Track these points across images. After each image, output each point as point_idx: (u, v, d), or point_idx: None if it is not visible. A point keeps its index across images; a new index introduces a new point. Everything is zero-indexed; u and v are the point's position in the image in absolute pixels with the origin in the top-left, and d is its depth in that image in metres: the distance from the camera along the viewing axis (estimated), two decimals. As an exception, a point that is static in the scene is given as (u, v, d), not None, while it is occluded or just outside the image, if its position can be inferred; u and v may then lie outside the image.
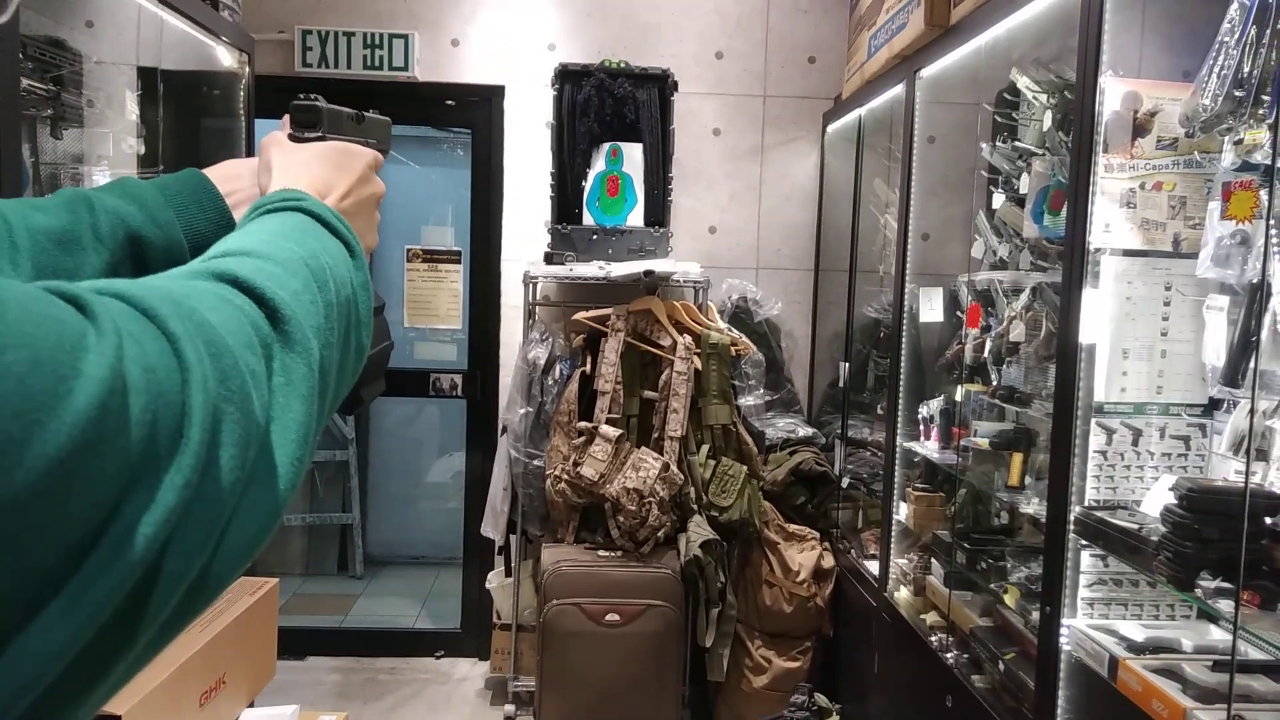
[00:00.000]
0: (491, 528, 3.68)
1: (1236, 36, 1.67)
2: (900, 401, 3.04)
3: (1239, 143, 1.73)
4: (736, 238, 4.05)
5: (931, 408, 2.93)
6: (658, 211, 3.69)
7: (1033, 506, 2.29)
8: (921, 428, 2.99)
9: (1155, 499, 1.89)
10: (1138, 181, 1.96)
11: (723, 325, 3.61)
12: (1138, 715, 1.72)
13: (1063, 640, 1.98)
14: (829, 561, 3.46)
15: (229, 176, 0.88)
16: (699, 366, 3.42)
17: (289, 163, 0.81)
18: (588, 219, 3.65)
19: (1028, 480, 2.39)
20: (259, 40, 3.40)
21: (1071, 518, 1.97)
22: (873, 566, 3.19)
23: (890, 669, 2.98)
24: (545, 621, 3.25)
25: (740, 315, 3.88)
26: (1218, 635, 1.88)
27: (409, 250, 4.06)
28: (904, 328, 3.02)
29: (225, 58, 3.17)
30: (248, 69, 3.22)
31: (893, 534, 3.05)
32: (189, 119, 3.25)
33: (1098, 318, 1.96)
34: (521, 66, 3.96)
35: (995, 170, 2.69)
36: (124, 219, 0.79)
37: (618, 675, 3.24)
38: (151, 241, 0.80)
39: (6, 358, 0.37)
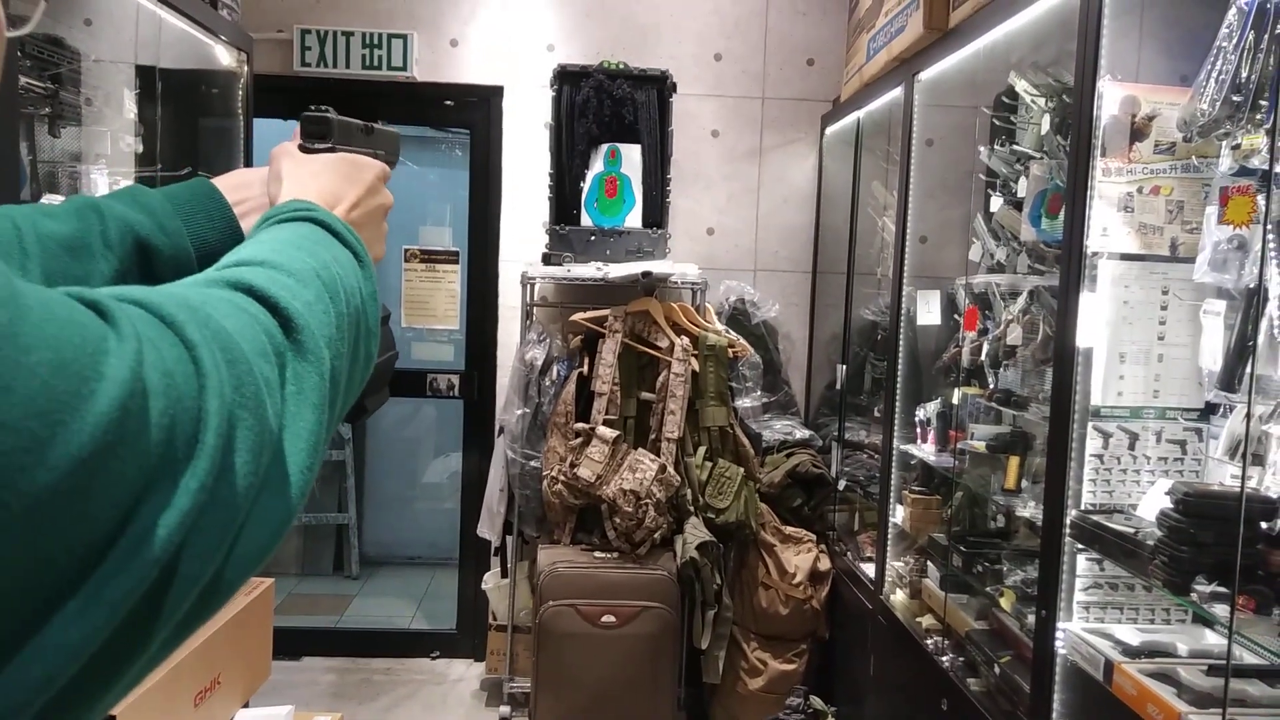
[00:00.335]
0: (488, 528, 3.67)
1: (1234, 41, 1.67)
2: (897, 404, 3.04)
3: (1236, 147, 1.74)
4: (734, 239, 4.05)
5: (928, 410, 2.93)
6: (656, 213, 3.69)
7: (1029, 510, 2.29)
8: (918, 430, 2.99)
9: (1151, 503, 1.89)
10: (1135, 186, 1.97)
11: (720, 327, 3.61)
12: (1133, 719, 1.72)
13: (1058, 644, 1.98)
14: (825, 564, 3.46)
15: (238, 185, 0.88)
16: (696, 368, 3.42)
17: (299, 173, 0.81)
18: (586, 220, 3.65)
19: (1024, 483, 2.39)
20: (257, 39, 3.40)
21: (1068, 521, 1.97)
22: (869, 569, 3.19)
23: (886, 672, 2.98)
24: (541, 623, 3.24)
25: (738, 317, 3.88)
26: (1213, 639, 1.88)
27: (406, 250, 4.05)
28: (901, 330, 3.02)
29: (224, 57, 3.17)
30: (246, 68, 3.22)
31: (889, 537, 3.05)
32: (187, 118, 3.24)
33: (1095, 321, 1.96)
34: (520, 67, 3.96)
35: (993, 173, 2.69)
36: (133, 227, 0.79)
37: (613, 677, 3.24)
38: (159, 250, 0.81)
39: (31, 358, 0.38)
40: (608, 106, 3.63)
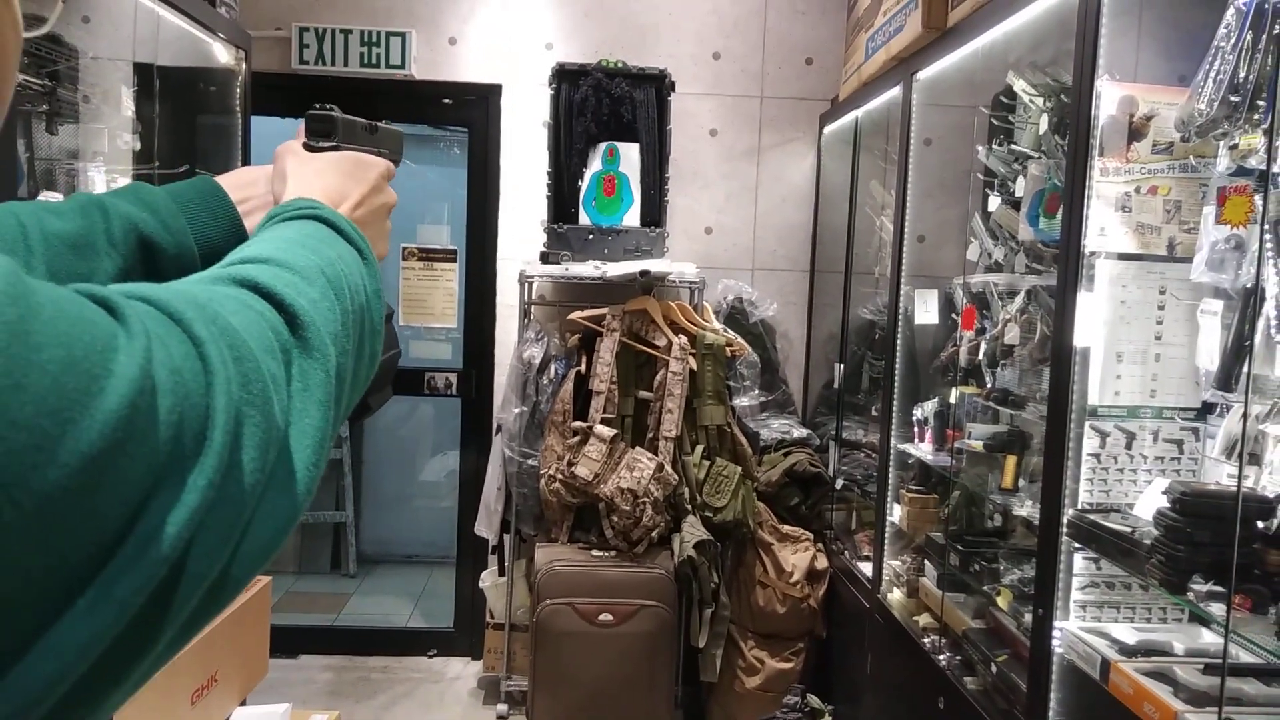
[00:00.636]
0: (485, 527, 3.67)
1: (1232, 42, 1.67)
2: (895, 403, 3.05)
3: (1234, 147, 1.74)
4: (732, 238, 4.05)
5: (926, 410, 2.94)
6: (654, 211, 3.69)
7: (1026, 509, 2.29)
8: (916, 429, 2.99)
9: (1148, 502, 1.89)
10: (1133, 185, 1.97)
11: (718, 326, 3.61)
12: (1129, 718, 1.72)
13: (1055, 642, 1.98)
14: (822, 563, 3.46)
15: (243, 184, 0.88)
16: (694, 367, 3.42)
17: (303, 171, 0.82)
18: (584, 218, 3.66)
19: (1021, 483, 2.40)
20: (256, 37, 3.40)
21: (1064, 520, 1.97)
22: (866, 568, 3.20)
23: (883, 670, 2.99)
24: (538, 621, 3.24)
25: (736, 316, 3.88)
26: (1209, 638, 1.88)
27: (405, 248, 4.05)
28: (899, 330, 3.02)
29: (222, 54, 3.16)
30: (244, 66, 3.22)
31: (886, 535, 3.05)
32: (185, 115, 3.24)
33: (1092, 321, 1.96)
34: (519, 66, 3.95)
35: (991, 173, 2.70)
36: (137, 224, 0.80)
37: (611, 675, 3.24)
38: (163, 247, 0.81)
39: (42, 356, 0.38)
40: (606, 105, 3.63)
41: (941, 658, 2.54)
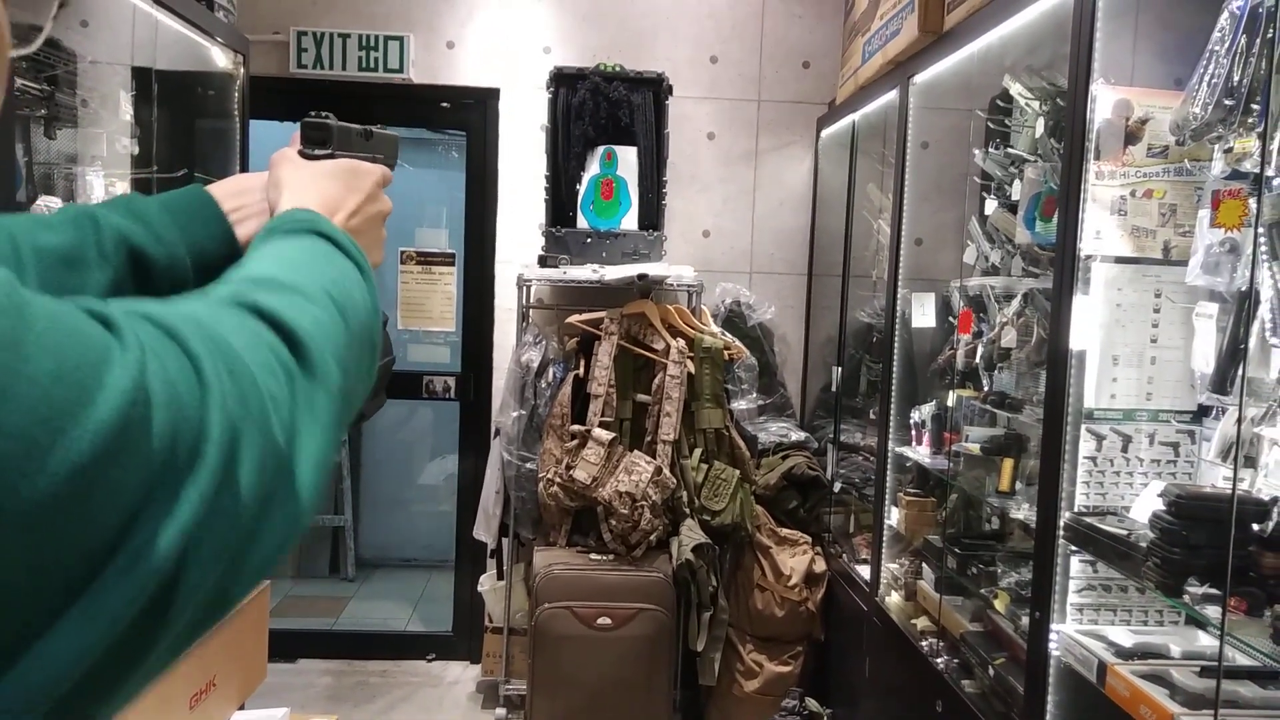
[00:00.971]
0: (484, 531, 3.67)
1: (1226, 45, 1.68)
2: (892, 406, 3.05)
3: (1229, 151, 1.74)
4: (730, 242, 4.06)
5: (923, 413, 2.94)
6: (652, 215, 3.70)
7: (1023, 512, 2.30)
8: (913, 433, 2.99)
9: (1144, 505, 1.89)
10: (1128, 189, 1.97)
11: (716, 329, 3.62)
12: (1126, 720, 1.73)
13: (1052, 645, 1.98)
14: (820, 566, 3.47)
15: (236, 192, 0.87)
16: (692, 370, 3.42)
17: (299, 180, 0.82)
18: (582, 222, 3.66)
19: (1018, 486, 2.40)
20: (254, 41, 3.40)
21: (1061, 523, 1.97)
22: (864, 571, 3.20)
23: (881, 674, 2.99)
24: (537, 625, 3.24)
25: (734, 319, 3.88)
26: (1205, 641, 1.88)
27: (403, 252, 4.06)
28: (896, 333, 3.03)
29: (220, 58, 3.17)
30: (242, 70, 3.22)
31: (884, 539, 3.06)
32: (183, 119, 3.25)
33: (1088, 324, 1.97)
34: (517, 69, 3.96)
35: (988, 176, 2.70)
36: (127, 236, 0.79)
37: (609, 679, 3.24)
38: (155, 259, 0.80)
39: (32, 367, 0.39)
40: (604, 109, 3.63)
41: (939, 661, 2.54)
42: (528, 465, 3.48)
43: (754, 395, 3.70)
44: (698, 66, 3.99)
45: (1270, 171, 1.61)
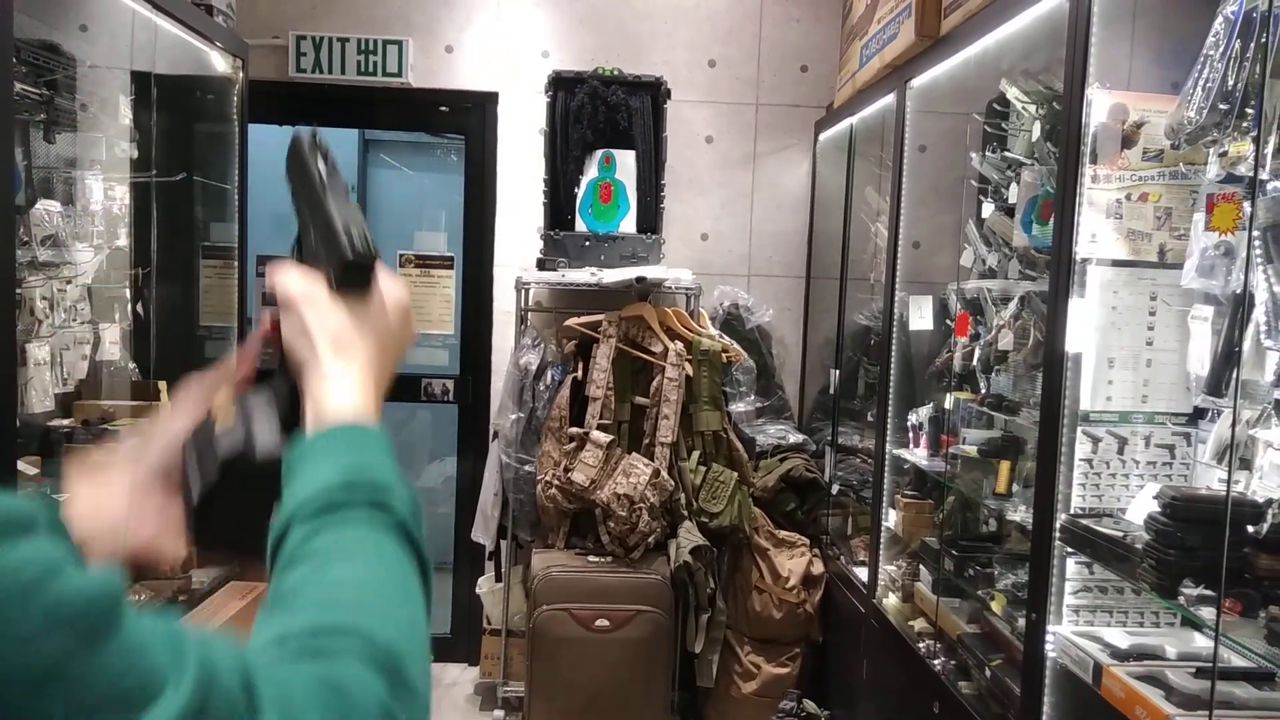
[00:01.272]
0: (482, 533, 3.68)
1: (1221, 50, 1.69)
2: (890, 409, 3.06)
3: (1224, 155, 1.75)
4: (728, 245, 4.07)
5: (921, 415, 2.95)
6: (650, 218, 3.70)
7: (1020, 514, 2.30)
8: (911, 435, 3.00)
9: (1140, 507, 1.90)
10: (1124, 192, 1.98)
11: (714, 332, 3.62)
12: (1122, 722, 1.73)
13: (1048, 647, 1.99)
14: (818, 568, 3.47)
15: (87, 513, 0.77)
16: (690, 373, 3.43)
17: (339, 341, 0.71)
18: (580, 225, 3.67)
19: (1015, 488, 2.41)
20: (253, 45, 3.41)
21: (1057, 525, 1.98)
22: (862, 573, 3.20)
23: (878, 675, 2.99)
24: (535, 627, 3.25)
25: (732, 322, 3.89)
26: (1201, 642, 1.89)
27: (401, 255, 4.07)
28: (894, 335, 3.03)
29: (219, 63, 3.18)
30: (242, 74, 3.23)
31: (882, 541, 3.06)
32: (183, 124, 3.25)
33: (1084, 327, 1.98)
34: (515, 73, 3.97)
35: (985, 180, 2.71)
36: None
37: (607, 681, 3.25)
38: None
39: (86, 683, 0.42)
40: (602, 112, 3.64)
41: (936, 662, 2.55)
42: (526, 468, 3.49)
43: (752, 398, 3.71)
44: (696, 70, 4.00)
45: (1264, 175, 1.62)
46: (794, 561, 3.43)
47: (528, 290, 3.68)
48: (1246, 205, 1.68)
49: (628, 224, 3.67)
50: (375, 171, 5.33)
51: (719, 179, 4.05)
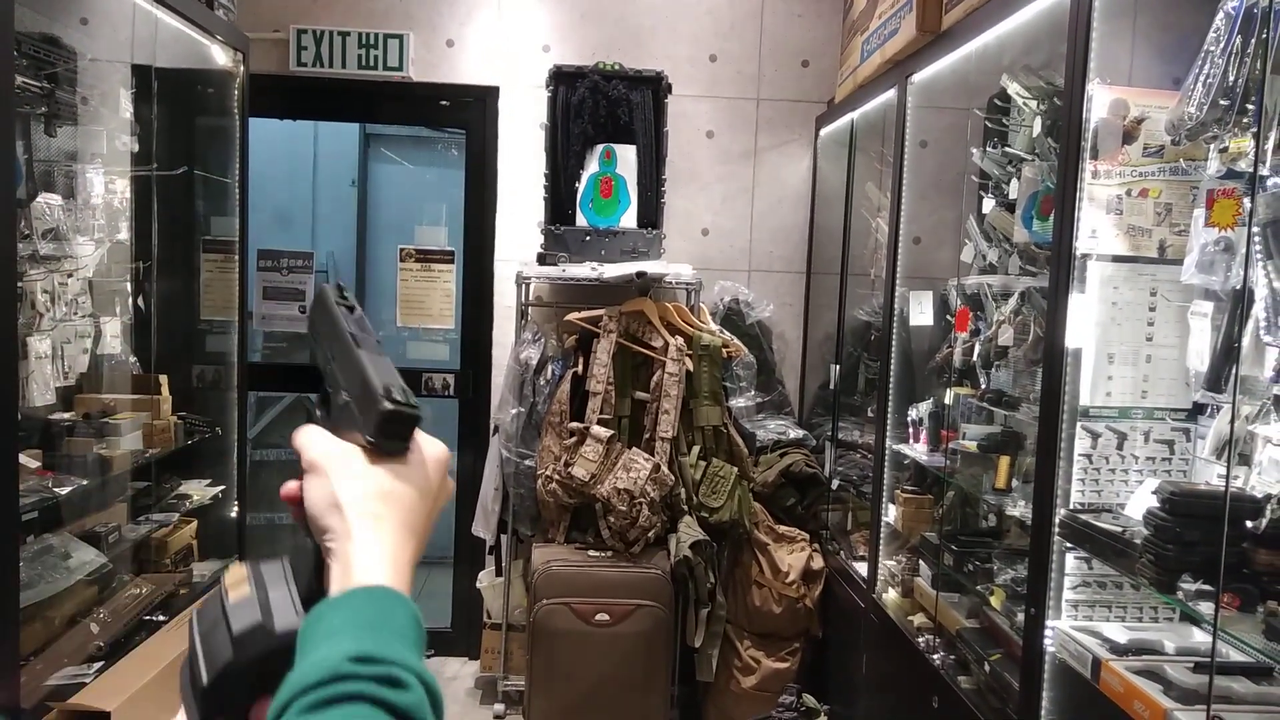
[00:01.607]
0: (482, 527, 3.68)
1: (1222, 46, 1.69)
2: (890, 404, 3.06)
3: (1224, 150, 1.75)
4: (729, 240, 4.07)
5: (921, 410, 2.95)
6: (651, 213, 3.70)
7: (1019, 509, 2.31)
8: (911, 430, 3.00)
9: (1139, 502, 1.91)
10: (1125, 188, 1.98)
11: (714, 327, 3.62)
12: (1120, 716, 1.74)
13: (1047, 642, 1.99)
14: (818, 563, 3.48)
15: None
16: (690, 368, 3.43)
17: (371, 505, 0.66)
18: (581, 220, 3.67)
19: (1015, 483, 2.41)
20: (254, 39, 3.41)
21: (1057, 520, 1.99)
22: (861, 568, 3.21)
23: (878, 670, 3.00)
24: (535, 621, 3.26)
25: (732, 317, 3.89)
26: (1200, 637, 1.89)
27: (402, 250, 4.07)
28: (894, 331, 3.04)
29: (220, 56, 3.18)
30: (242, 68, 3.23)
31: (881, 536, 3.07)
32: (183, 117, 3.26)
33: (1084, 322, 1.98)
34: (516, 68, 3.97)
35: (985, 175, 2.71)
36: None
37: (607, 675, 3.25)
38: None
39: None
40: (603, 107, 3.64)
41: (936, 657, 2.56)
42: (526, 462, 3.49)
43: (752, 393, 3.71)
44: (697, 65, 4.00)
45: (1264, 171, 1.62)
46: (794, 556, 3.44)
47: (528, 285, 3.68)
48: (1246, 201, 1.69)
49: (628, 219, 3.67)
50: (376, 166, 5.33)
51: (720, 174, 4.05)
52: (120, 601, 2.66)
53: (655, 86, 3.69)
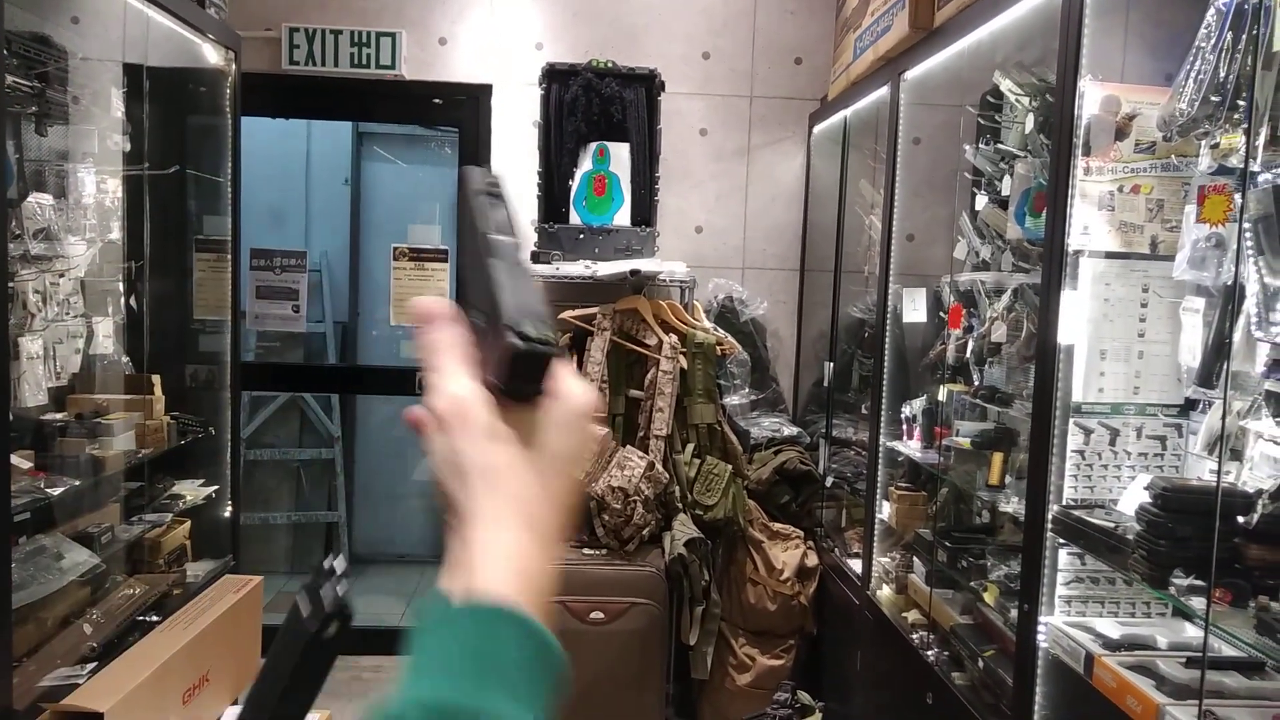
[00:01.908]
0: (477, 526, 3.68)
1: (1213, 42, 1.69)
2: (884, 401, 3.06)
3: (1215, 147, 1.76)
4: (723, 237, 4.07)
5: (914, 407, 2.95)
6: (644, 211, 3.70)
7: (1013, 505, 2.31)
8: (904, 427, 3.01)
9: (1131, 498, 1.91)
10: (1116, 184, 1.99)
11: (708, 325, 3.63)
12: (1113, 711, 1.74)
13: (1040, 638, 2.00)
14: (813, 560, 3.48)
15: None
16: (684, 366, 3.43)
17: (498, 483, 0.56)
18: (574, 218, 3.66)
19: (1008, 479, 2.42)
20: (245, 38, 3.40)
21: (1050, 516, 1.99)
22: (856, 565, 3.21)
23: (872, 666, 3.01)
24: (530, 619, 3.25)
25: (726, 315, 3.89)
26: (1192, 632, 1.90)
27: (395, 248, 4.06)
28: (888, 328, 3.04)
29: (211, 55, 3.17)
30: (234, 66, 3.22)
31: (875, 533, 3.07)
32: (175, 116, 3.24)
33: (1076, 319, 1.98)
34: (509, 66, 3.96)
35: (978, 172, 2.71)
36: None
37: (602, 673, 3.25)
38: None
39: None
40: (596, 105, 3.64)
41: (930, 653, 2.56)
42: (521, 461, 3.48)
43: (746, 390, 3.72)
44: (690, 62, 4.00)
45: (1255, 167, 1.62)
46: (788, 554, 3.44)
47: (522, 283, 3.67)
48: (1238, 197, 1.69)
49: (622, 217, 3.67)
50: (369, 164, 5.32)
51: (713, 171, 4.05)
52: (113, 602, 2.66)
53: (648, 84, 3.69)
